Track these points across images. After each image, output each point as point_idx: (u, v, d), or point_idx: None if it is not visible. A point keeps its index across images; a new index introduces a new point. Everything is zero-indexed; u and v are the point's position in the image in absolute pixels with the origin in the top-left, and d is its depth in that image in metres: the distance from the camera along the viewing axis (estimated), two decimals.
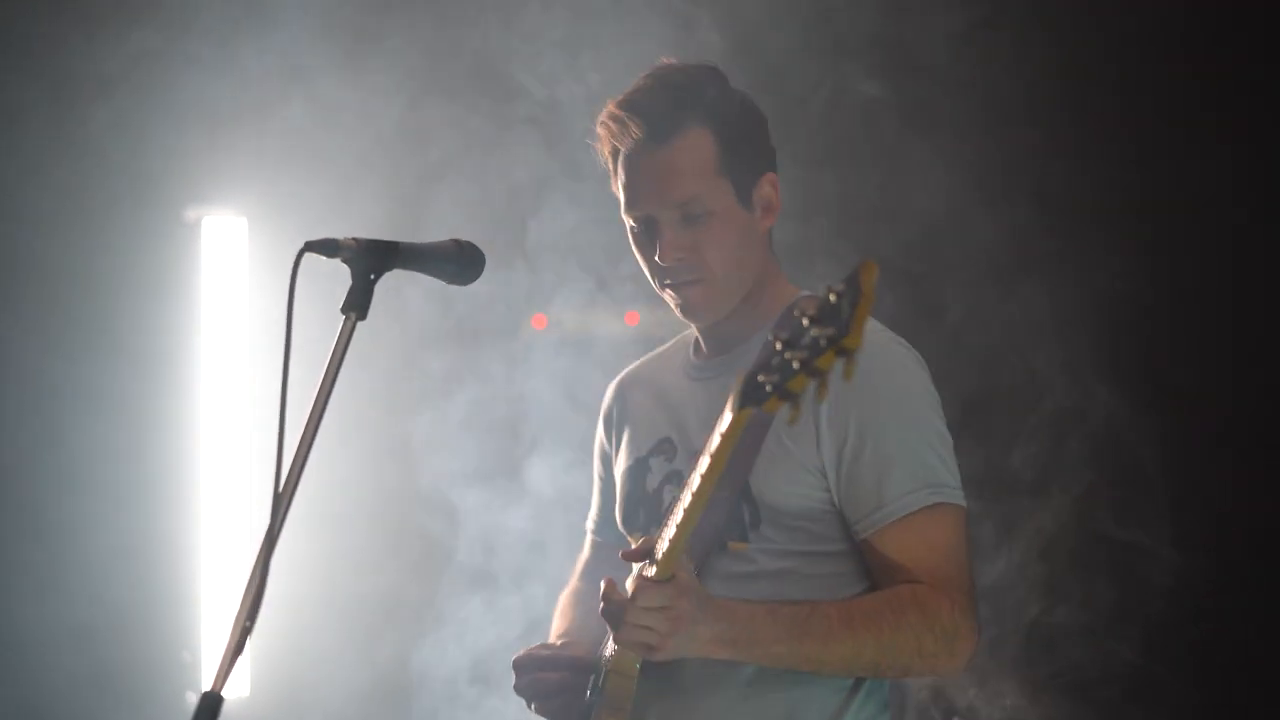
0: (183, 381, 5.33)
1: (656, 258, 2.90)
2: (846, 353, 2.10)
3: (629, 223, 2.96)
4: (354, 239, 2.58)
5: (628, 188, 2.91)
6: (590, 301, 5.17)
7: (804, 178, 3.88)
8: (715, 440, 2.46)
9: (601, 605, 2.69)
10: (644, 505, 3.02)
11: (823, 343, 2.12)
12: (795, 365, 2.16)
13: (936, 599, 2.71)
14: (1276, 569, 4.37)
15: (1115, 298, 4.44)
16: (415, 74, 5.18)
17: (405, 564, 5.32)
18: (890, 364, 2.83)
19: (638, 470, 3.06)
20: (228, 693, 4.98)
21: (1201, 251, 4.48)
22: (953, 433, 2.87)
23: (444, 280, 2.71)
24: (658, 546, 2.66)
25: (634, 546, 2.74)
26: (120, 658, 5.13)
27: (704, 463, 2.51)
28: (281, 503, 2.38)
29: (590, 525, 3.32)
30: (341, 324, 2.55)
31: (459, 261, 2.69)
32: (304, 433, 2.45)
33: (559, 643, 3.09)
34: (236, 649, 2.32)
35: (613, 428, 3.21)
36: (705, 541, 2.81)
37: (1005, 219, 4.47)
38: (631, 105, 2.88)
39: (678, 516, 2.59)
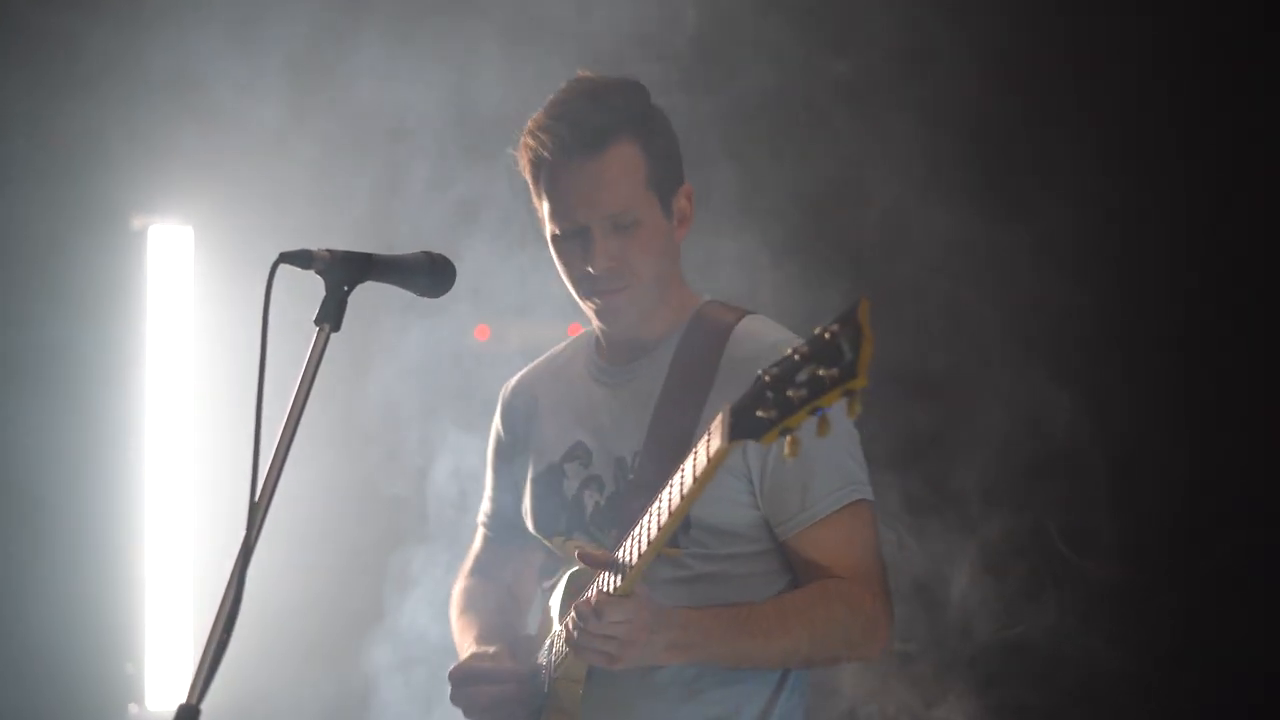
0: (128, 391, 5.28)
1: (589, 267, 2.98)
2: (852, 393, 2.18)
3: (554, 231, 3.02)
4: (328, 251, 2.59)
5: (556, 198, 2.98)
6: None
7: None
8: (699, 466, 2.52)
9: (569, 623, 2.78)
10: (564, 510, 3.10)
11: (827, 382, 2.19)
12: (796, 402, 2.24)
13: (859, 592, 2.88)
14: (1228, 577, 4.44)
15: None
16: (363, 85, 5.16)
17: (351, 569, 5.30)
18: None
19: (551, 476, 3.13)
20: (171, 705, 4.97)
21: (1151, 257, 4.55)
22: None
23: (415, 293, 2.72)
24: (623, 560, 2.73)
25: (591, 552, 2.83)
26: (63, 670, 5.09)
27: (684, 487, 2.56)
28: (258, 513, 2.38)
29: (483, 520, 3.40)
30: (315, 335, 2.54)
31: (431, 274, 2.71)
32: (279, 444, 2.44)
33: (491, 650, 3.13)
34: (214, 661, 2.31)
35: (515, 429, 3.28)
36: None
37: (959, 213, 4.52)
38: (561, 116, 2.96)
39: (649, 534, 2.66)
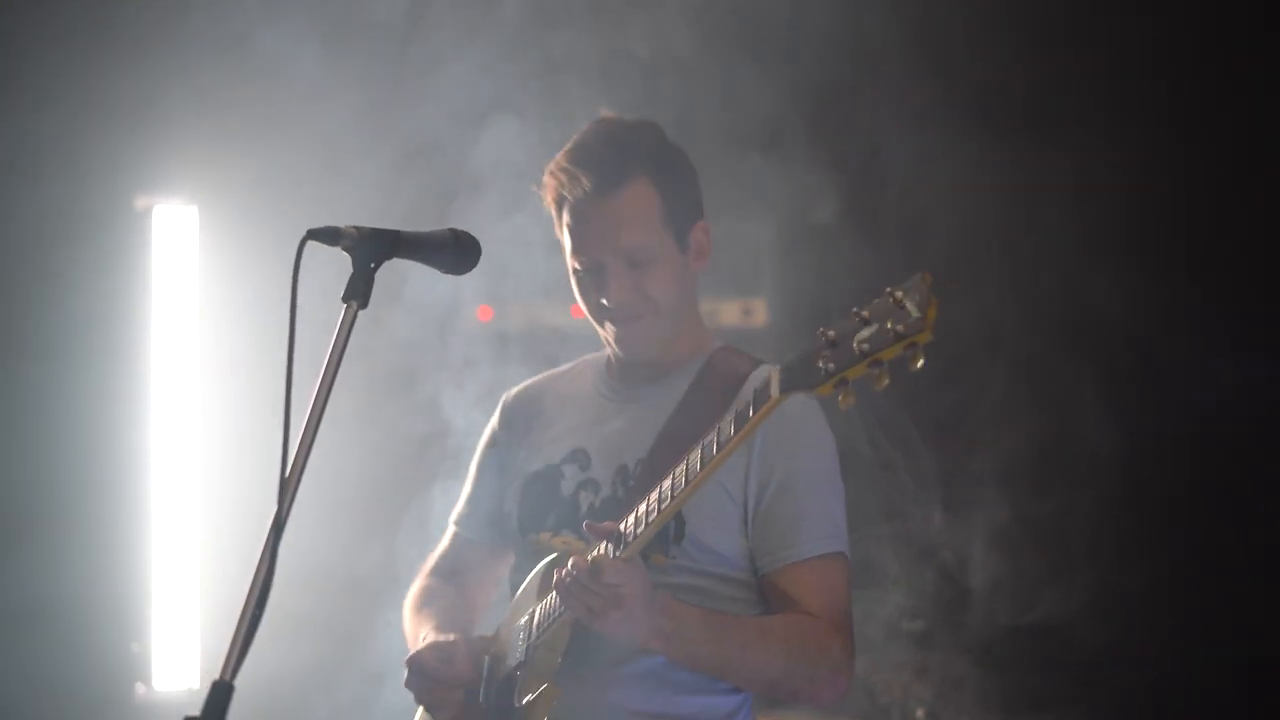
0: (133, 371, 5.28)
1: (604, 300, 3.10)
2: (916, 345, 2.30)
3: (574, 265, 3.14)
4: (355, 228, 2.59)
5: (576, 235, 3.11)
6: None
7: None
8: (740, 420, 2.61)
9: (563, 573, 2.82)
10: (556, 509, 3.17)
11: (892, 336, 2.31)
12: (859, 353, 2.35)
13: (831, 634, 2.97)
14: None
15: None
16: (369, 60, 5.16)
17: (358, 547, 5.30)
18: (814, 424, 3.06)
19: (549, 476, 3.21)
20: (177, 685, 4.97)
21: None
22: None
23: (440, 269, 2.72)
24: (627, 531, 2.81)
25: (597, 525, 2.89)
26: (70, 649, 5.08)
27: (717, 444, 2.65)
28: (289, 488, 2.37)
29: (455, 519, 3.45)
30: (343, 313, 2.54)
31: (456, 251, 2.70)
32: (308, 420, 2.44)
33: (450, 639, 3.17)
34: (247, 637, 2.30)
35: (515, 429, 3.34)
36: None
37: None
38: (579, 159, 3.08)
39: (661, 501, 2.74)
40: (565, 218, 3.11)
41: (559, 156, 3.12)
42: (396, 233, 2.61)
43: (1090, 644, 4.47)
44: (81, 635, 5.12)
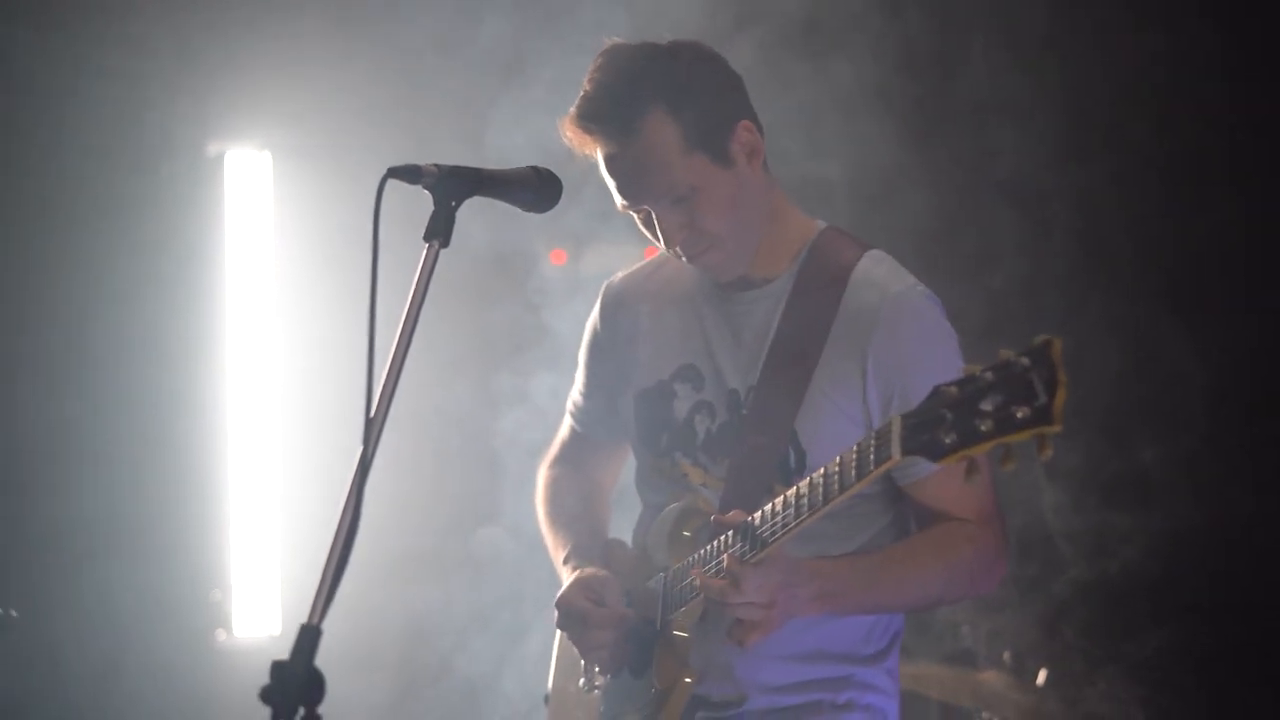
0: (209, 315, 5.29)
1: (661, 243, 2.98)
2: (1044, 436, 2.22)
3: (624, 211, 3.02)
4: (435, 165, 2.55)
5: (614, 187, 2.97)
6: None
7: None
8: (859, 467, 2.55)
9: (707, 586, 2.77)
10: (668, 430, 3.09)
11: (1020, 421, 2.23)
12: (985, 432, 2.28)
13: (983, 534, 2.91)
14: None
15: None
16: (441, 5, 5.12)
17: (445, 508, 5.31)
18: (926, 323, 2.95)
19: (660, 394, 3.11)
20: (261, 631, 4.97)
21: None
22: None
23: (521, 208, 2.68)
24: (758, 527, 2.74)
25: (724, 518, 2.82)
26: (151, 598, 5.11)
27: (841, 484, 2.59)
28: (374, 429, 2.34)
29: (572, 410, 3.37)
30: (425, 252, 2.50)
31: (538, 189, 2.66)
32: (392, 361, 2.41)
33: (600, 576, 3.08)
34: (334, 579, 2.27)
35: (617, 330, 3.24)
36: (752, 486, 2.93)
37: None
38: (585, 118, 2.93)
39: (789, 515, 2.68)
40: (600, 167, 2.97)
41: (570, 112, 2.94)
42: (478, 170, 2.58)
43: (1177, 592, 4.41)
44: (163, 584, 5.15)
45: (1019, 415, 2.23)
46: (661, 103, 2.90)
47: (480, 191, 2.58)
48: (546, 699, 3.31)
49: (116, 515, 5.06)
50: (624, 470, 3.39)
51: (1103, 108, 4.64)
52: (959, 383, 2.32)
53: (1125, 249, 4.56)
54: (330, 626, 2.24)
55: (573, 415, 3.38)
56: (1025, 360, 2.23)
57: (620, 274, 3.32)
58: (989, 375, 2.28)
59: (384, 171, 2.44)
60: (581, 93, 2.96)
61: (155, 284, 5.16)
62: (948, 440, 2.33)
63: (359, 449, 2.32)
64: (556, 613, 3.09)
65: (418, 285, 2.47)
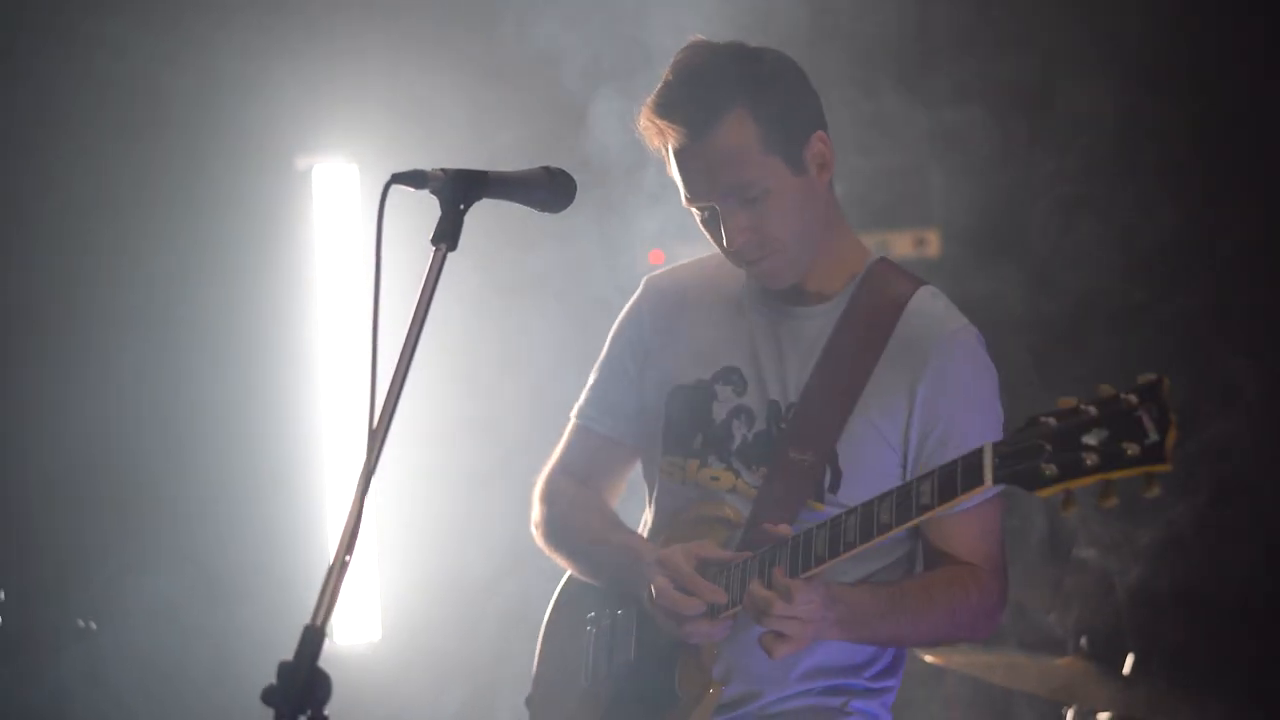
0: (299, 327, 5.35)
1: (724, 243, 2.96)
2: (1153, 476, 2.25)
3: (690, 210, 3.01)
4: (441, 169, 2.58)
5: (683, 182, 2.97)
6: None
7: None
8: (941, 489, 2.57)
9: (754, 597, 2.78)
10: (704, 431, 3.08)
11: (1130, 458, 2.26)
12: (1090, 466, 2.30)
13: (990, 580, 2.95)
14: None
15: None
16: (520, 17, 5.13)
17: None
18: (978, 365, 2.99)
19: (699, 394, 3.09)
20: (361, 638, 5.00)
21: None
22: None
23: (534, 208, 2.69)
24: (811, 545, 2.77)
25: (771, 529, 2.84)
26: (251, 604, 5.16)
27: (915, 507, 2.62)
28: (376, 439, 2.36)
29: (589, 408, 3.28)
30: (432, 255, 2.53)
31: (550, 189, 2.66)
32: (397, 367, 2.43)
33: (706, 546, 2.97)
34: (337, 583, 2.30)
35: (658, 321, 3.20)
36: (787, 499, 2.95)
37: None
38: (665, 108, 2.93)
39: (849, 537, 2.71)
40: (670, 162, 2.98)
41: (649, 103, 2.95)
42: (485, 173, 2.60)
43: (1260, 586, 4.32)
44: (261, 591, 5.20)
45: (1129, 452, 2.25)
46: (743, 101, 2.90)
47: (488, 193, 2.60)
48: (528, 701, 3.29)
49: (216, 522, 5.14)
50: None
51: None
52: (1057, 414, 2.34)
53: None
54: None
55: (588, 415, 3.30)
56: (1133, 397, 2.26)
57: (663, 270, 3.31)
58: (1092, 410, 2.30)
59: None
60: (662, 83, 2.97)
61: (246, 298, 5.22)
62: (1048, 472, 2.33)
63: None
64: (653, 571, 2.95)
65: (425, 288, 2.52)
